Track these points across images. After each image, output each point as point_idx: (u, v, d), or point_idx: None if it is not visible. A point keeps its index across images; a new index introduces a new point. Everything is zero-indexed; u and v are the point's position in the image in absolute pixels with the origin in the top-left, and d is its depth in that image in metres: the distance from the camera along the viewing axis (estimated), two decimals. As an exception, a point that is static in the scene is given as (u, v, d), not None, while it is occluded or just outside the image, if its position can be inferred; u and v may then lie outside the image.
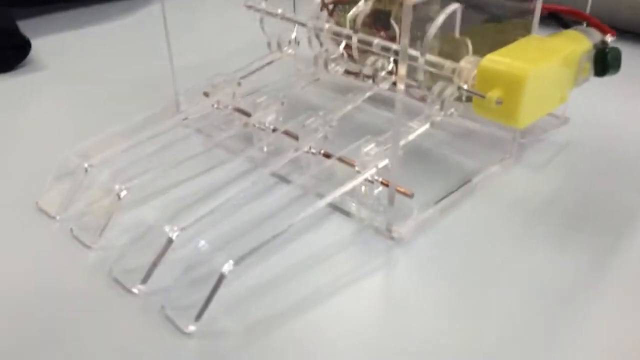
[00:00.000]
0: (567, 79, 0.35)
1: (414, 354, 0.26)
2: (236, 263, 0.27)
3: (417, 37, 0.35)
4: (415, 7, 0.27)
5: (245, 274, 0.30)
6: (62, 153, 0.35)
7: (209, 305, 0.27)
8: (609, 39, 0.35)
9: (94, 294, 0.29)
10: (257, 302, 0.29)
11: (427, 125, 0.35)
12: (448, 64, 0.34)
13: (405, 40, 0.28)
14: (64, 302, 0.29)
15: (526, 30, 0.35)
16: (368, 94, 0.39)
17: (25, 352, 0.26)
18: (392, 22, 0.40)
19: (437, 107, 0.35)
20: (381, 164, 0.32)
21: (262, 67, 0.43)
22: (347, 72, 0.43)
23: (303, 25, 0.42)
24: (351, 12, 0.39)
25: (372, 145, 0.33)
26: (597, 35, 0.35)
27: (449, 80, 0.34)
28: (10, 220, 0.34)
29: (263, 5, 0.44)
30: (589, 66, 0.35)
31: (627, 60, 0.36)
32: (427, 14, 0.36)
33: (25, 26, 0.56)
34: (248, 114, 0.39)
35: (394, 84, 0.38)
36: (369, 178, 0.33)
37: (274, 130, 0.37)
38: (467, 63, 0.33)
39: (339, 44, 0.42)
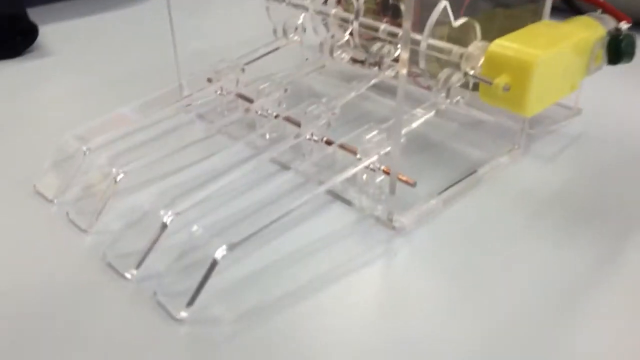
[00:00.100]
0: (579, 67, 0.33)
1: (411, 345, 0.25)
2: (229, 249, 0.26)
3: (445, 14, 0.33)
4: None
5: (241, 261, 0.29)
6: (63, 137, 0.35)
7: (201, 291, 0.26)
8: (624, 26, 0.34)
9: (88, 278, 0.29)
10: (252, 290, 0.28)
11: (431, 113, 0.34)
12: (455, 49, 0.33)
13: (408, 23, 0.27)
14: (57, 286, 0.28)
15: (537, 16, 0.34)
16: (373, 81, 0.38)
17: (16, 334, 0.26)
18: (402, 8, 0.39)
19: (443, 94, 0.34)
20: (383, 151, 0.31)
21: (267, 53, 0.42)
22: (354, 61, 0.43)
23: (309, 11, 0.41)
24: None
25: (375, 132, 0.32)
26: (611, 23, 0.34)
27: (457, 67, 0.33)
28: (7, 203, 0.34)
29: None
30: (602, 54, 0.34)
31: (642, 48, 0.35)
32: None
33: (34, 13, 0.56)
34: (250, 100, 0.38)
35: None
36: (371, 166, 0.32)
37: (276, 117, 0.36)
38: (476, 48, 0.32)
39: (345, 31, 0.41)
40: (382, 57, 0.38)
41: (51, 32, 0.57)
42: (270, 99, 0.37)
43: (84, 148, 0.34)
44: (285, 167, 0.36)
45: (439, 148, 0.39)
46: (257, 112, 0.37)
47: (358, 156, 0.32)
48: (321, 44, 0.41)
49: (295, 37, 0.43)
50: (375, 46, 0.38)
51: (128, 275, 0.28)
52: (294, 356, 0.25)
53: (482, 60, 0.31)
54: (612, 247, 0.31)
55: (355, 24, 0.37)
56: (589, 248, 0.30)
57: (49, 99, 0.47)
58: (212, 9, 0.63)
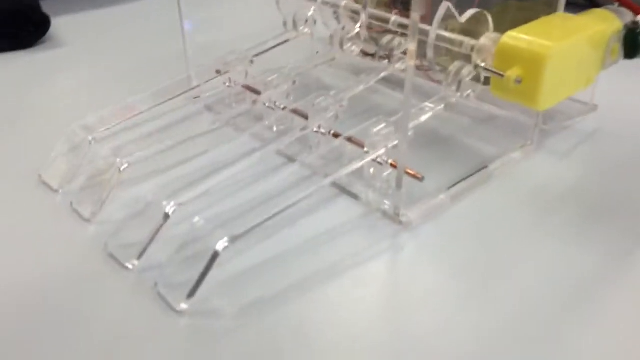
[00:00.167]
0: (594, 61, 0.32)
1: (416, 340, 0.25)
2: (231, 241, 0.26)
3: (450, 14, 0.33)
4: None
5: (245, 254, 0.29)
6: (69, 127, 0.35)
7: (202, 283, 0.26)
8: (642, 19, 0.33)
9: (89, 268, 0.28)
10: (255, 283, 0.28)
11: (441, 106, 0.33)
12: (467, 41, 0.32)
13: (416, 14, 0.26)
14: (58, 275, 0.28)
15: (552, 9, 0.33)
16: (383, 74, 0.37)
17: (17, 322, 0.26)
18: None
19: (454, 88, 0.33)
20: (391, 144, 0.31)
21: (276, 46, 0.41)
22: (365, 54, 0.42)
23: (321, 2, 0.41)
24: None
25: (382, 125, 0.32)
26: (628, 16, 0.33)
27: (469, 60, 0.32)
28: (13, 192, 0.34)
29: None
30: (618, 48, 0.33)
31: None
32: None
33: (47, 5, 0.56)
34: (258, 92, 0.37)
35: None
36: (378, 159, 0.31)
37: (284, 109, 0.36)
38: (488, 40, 0.31)
39: (356, 23, 0.40)
40: (392, 50, 0.37)
41: (63, 24, 0.57)
42: (278, 91, 0.37)
43: (90, 138, 0.33)
44: (291, 159, 0.35)
45: (450, 143, 0.38)
46: (264, 104, 0.37)
47: (365, 149, 0.32)
48: (331, 37, 0.40)
49: (306, 30, 0.43)
50: (385, 39, 0.37)
51: (129, 266, 0.28)
52: (295, 350, 0.24)
53: (493, 52, 0.30)
54: (623, 246, 0.30)
55: (364, 16, 0.37)
56: (600, 246, 0.30)
57: (60, 90, 0.47)
58: (223, 1, 0.63)
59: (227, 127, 0.39)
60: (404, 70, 0.38)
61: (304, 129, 0.34)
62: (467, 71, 0.32)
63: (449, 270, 0.28)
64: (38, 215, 0.32)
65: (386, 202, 0.32)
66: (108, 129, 0.35)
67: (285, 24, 0.43)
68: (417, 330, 0.25)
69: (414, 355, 0.24)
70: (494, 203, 0.33)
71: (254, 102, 0.37)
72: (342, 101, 0.34)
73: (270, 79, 0.37)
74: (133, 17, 0.61)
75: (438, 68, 0.35)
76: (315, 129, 0.34)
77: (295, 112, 0.35)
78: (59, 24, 0.57)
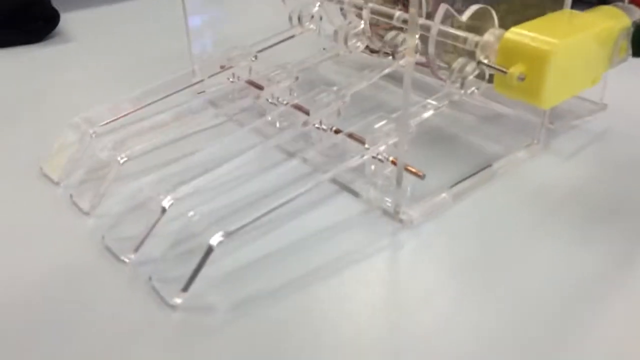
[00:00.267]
0: (601, 59, 0.32)
1: (411, 340, 0.24)
2: (226, 236, 0.26)
3: (449, 14, 0.32)
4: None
5: (243, 249, 0.29)
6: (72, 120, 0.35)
7: (197, 278, 0.26)
8: (651, 16, 0.32)
9: (86, 260, 0.28)
10: (251, 278, 0.27)
11: (444, 104, 0.32)
12: (471, 37, 0.31)
13: (414, 9, 0.26)
14: (56, 267, 0.28)
15: (558, 5, 0.32)
16: (387, 70, 0.37)
17: (13, 311, 0.26)
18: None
19: (458, 85, 0.33)
20: (391, 141, 0.30)
21: (281, 41, 0.41)
22: (371, 51, 0.42)
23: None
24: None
25: (384, 122, 0.31)
26: (637, 13, 0.32)
27: (473, 57, 0.32)
28: (15, 184, 0.34)
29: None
30: (626, 45, 0.32)
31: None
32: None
33: (57, 0, 0.57)
34: (261, 88, 0.37)
35: (417, 63, 0.36)
36: (379, 156, 0.31)
37: (286, 104, 0.36)
38: (491, 36, 0.31)
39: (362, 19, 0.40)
40: (396, 46, 0.36)
41: (72, 19, 0.58)
42: (281, 86, 0.37)
43: (91, 131, 0.33)
44: (292, 155, 0.35)
45: (455, 141, 0.38)
46: (267, 99, 0.37)
47: (366, 146, 0.31)
48: (335, 32, 0.40)
49: (311, 26, 0.42)
50: (389, 35, 0.37)
51: (125, 259, 0.28)
52: (290, 347, 0.24)
53: (496, 48, 0.30)
54: (627, 248, 0.29)
55: (366, 12, 0.36)
56: (603, 247, 0.29)
57: (67, 84, 0.47)
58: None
59: (230, 122, 0.38)
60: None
61: (305, 124, 0.33)
62: (471, 68, 0.32)
63: (448, 269, 0.28)
64: (38, 207, 0.32)
65: (387, 199, 0.31)
66: (110, 122, 0.35)
67: (290, 19, 0.43)
68: (415, 330, 0.25)
69: (413, 354, 0.24)
70: (497, 202, 0.32)
71: (257, 97, 0.37)
72: (344, 97, 0.34)
73: (273, 74, 0.37)
74: (141, 13, 0.62)
75: (443, 65, 0.35)
76: (317, 125, 0.34)
77: (297, 107, 0.35)
78: (69, 19, 0.57)
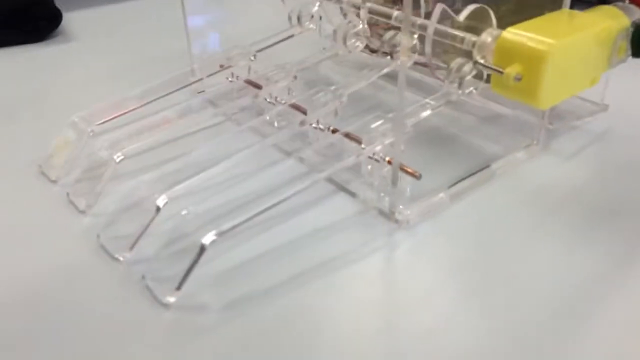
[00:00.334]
0: (600, 59, 0.31)
1: (409, 341, 0.24)
2: (218, 235, 0.26)
3: (446, 15, 0.32)
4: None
5: (238, 248, 0.29)
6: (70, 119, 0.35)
7: (190, 277, 0.25)
8: (651, 16, 0.32)
9: (81, 259, 0.28)
10: (245, 278, 0.27)
11: (441, 104, 0.32)
12: (468, 37, 0.31)
13: (408, 8, 0.26)
14: (51, 265, 0.28)
15: (557, 5, 0.32)
16: (385, 70, 0.37)
17: (7, 309, 0.26)
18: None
19: (455, 85, 0.33)
20: (387, 141, 0.30)
21: (280, 41, 0.41)
22: (371, 51, 0.41)
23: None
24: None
25: (381, 122, 0.31)
26: (637, 13, 0.32)
27: (471, 57, 0.32)
28: (13, 182, 0.34)
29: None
30: (625, 45, 0.32)
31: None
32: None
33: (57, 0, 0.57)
34: (260, 87, 0.37)
35: (416, 63, 0.36)
36: (375, 157, 0.31)
37: (284, 104, 0.36)
38: (488, 36, 0.31)
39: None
40: (394, 46, 0.36)
41: (75, 18, 0.58)
42: (279, 86, 0.37)
43: (89, 130, 0.34)
44: (289, 154, 0.35)
45: (454, 141, 0.38)
46: (265, 99, 0.37)
47: (362, 146, 0.31)
48: (334, 32, 0.40)
49: (311, 25, 0.42)
50: (388, 34, 0.37)
51: (120, 258, 0.28)
52: (279, 347, 0.24)
53: (493, 48, 0.30)
54: (627, 248, 0.29)
55: (363, 12, 0.36)
56: (603, 247, 0.29)
57: (69, 83, 0.47)
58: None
59: (229, 121, 0.38)
60: (408, 68, 0.38)
61: (302, 123, 0.33)
62: (469, 68, 0.32)
63: (445, 269, 0.28)
64: (35, 206, 0.32)
65: (383, 200, 0.31)
66: (108, 121, 0.35)
67: (290, 19, 0.43)
68: (410, 331, 0.25)
69: (408, 355, 0.24)
70: (495, 203, 0.32)
71: (255, 96, 0.37)
72: (341, 97, 0.34)
73: (271, 74, 0.37)
74: (142, 13, 0.62)
75: (442, 65, 0.35)
76: (314, 125, 0.34)
77: (294, 107, 0.35)
78: (71, 18, 0.57)
